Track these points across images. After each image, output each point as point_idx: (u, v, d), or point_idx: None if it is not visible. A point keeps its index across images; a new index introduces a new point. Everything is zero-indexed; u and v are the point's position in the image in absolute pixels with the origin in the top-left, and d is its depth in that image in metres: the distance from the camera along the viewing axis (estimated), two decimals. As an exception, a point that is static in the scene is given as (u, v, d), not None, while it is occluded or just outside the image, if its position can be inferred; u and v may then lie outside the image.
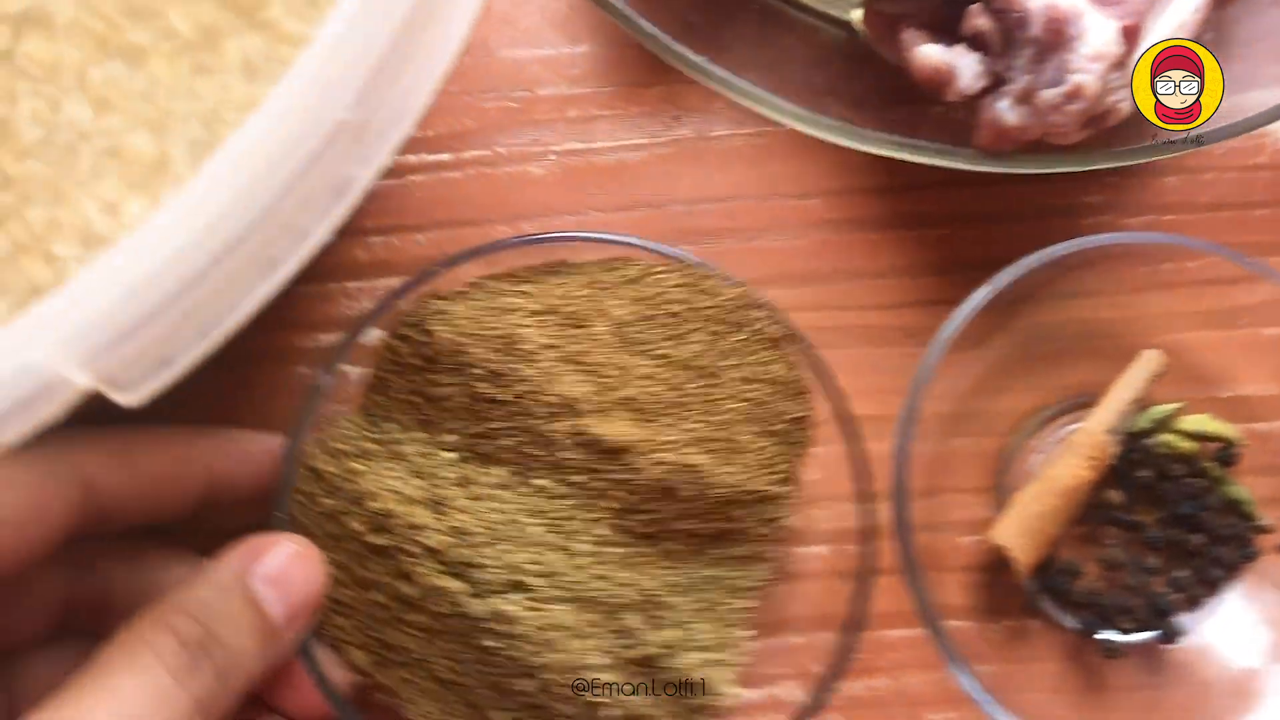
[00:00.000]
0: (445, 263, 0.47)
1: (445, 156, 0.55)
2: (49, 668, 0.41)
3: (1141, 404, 0.50)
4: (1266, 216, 0.55)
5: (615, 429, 0.44)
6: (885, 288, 0.54)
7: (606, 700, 0.43)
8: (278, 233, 0.32)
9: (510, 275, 0.48)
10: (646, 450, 0.44)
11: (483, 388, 0.45)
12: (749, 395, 0.46)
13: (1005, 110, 0.46)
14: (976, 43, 0.48)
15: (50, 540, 0.38)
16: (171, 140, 0.38)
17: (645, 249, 0.48)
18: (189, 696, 0.33)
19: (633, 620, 0.43)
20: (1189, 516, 0.49)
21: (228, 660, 0.36)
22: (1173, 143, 0.48)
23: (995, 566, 0.50)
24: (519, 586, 0.42)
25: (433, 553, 0.43)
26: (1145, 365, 0.50)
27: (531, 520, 0.44)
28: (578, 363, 0.45)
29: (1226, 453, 0.50)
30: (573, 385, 0.44)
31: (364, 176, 0.33)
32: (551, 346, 0.45)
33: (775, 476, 0.46)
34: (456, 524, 0.43)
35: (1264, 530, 0.49)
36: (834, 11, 0.54)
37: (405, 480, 0.44)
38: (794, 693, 0.45)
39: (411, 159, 0.54)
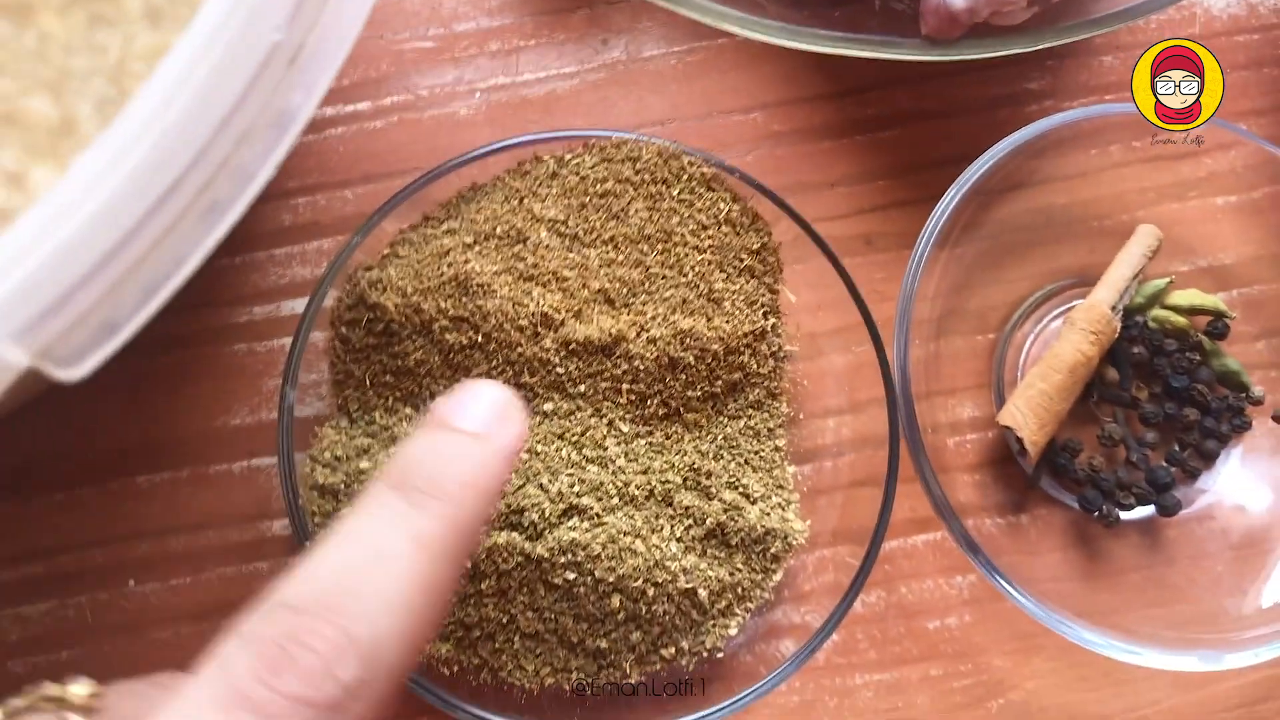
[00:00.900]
0: (369, 220, 0.44)
1: (364, 105, 0.51)
2: None
3: (1140, 278, 0.49)
4: (1206, 86, 0.54)
5: (598, 325, 0.43)
6: (840, 197, 0.52)
7: (697, 583, 0.42)
8: (218, 173, 0.28)
9: (427, 220, 0.46)
10: (635, 334, 0.43)
11: (452, 338, 0.42)
12: (708, 242, 0.45)
13: (952, -8, 0.45)
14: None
15: None
16: (74, 100, 0.34)
17: (547, 139, 0.46)
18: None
19: (687, 498, 0.43)
20: (1183, 391, 0.49)
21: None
22: (1112, 15, 0.47)
23: (996, 462, 0.49)
24: (571, 511, 0.41)
25: None
26: (1142, 240, 0.49)
27: (554, 445, 0.42)
28: (534, 277, 0.43)
29: (1217, 325, 0.50)
30: (540, 300, 0.42)
31: (307, 106, 0.30)
32: (502, 271, 0.43)
33: (761, 309, 0.46)
34: None
35: (1257, 401, 0.49)
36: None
37: None
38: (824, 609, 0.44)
39: (329, 111, 0.51)
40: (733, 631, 0.44)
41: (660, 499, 0.43)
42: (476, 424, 0.31)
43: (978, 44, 0.47)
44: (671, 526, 0.42)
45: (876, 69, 0.52)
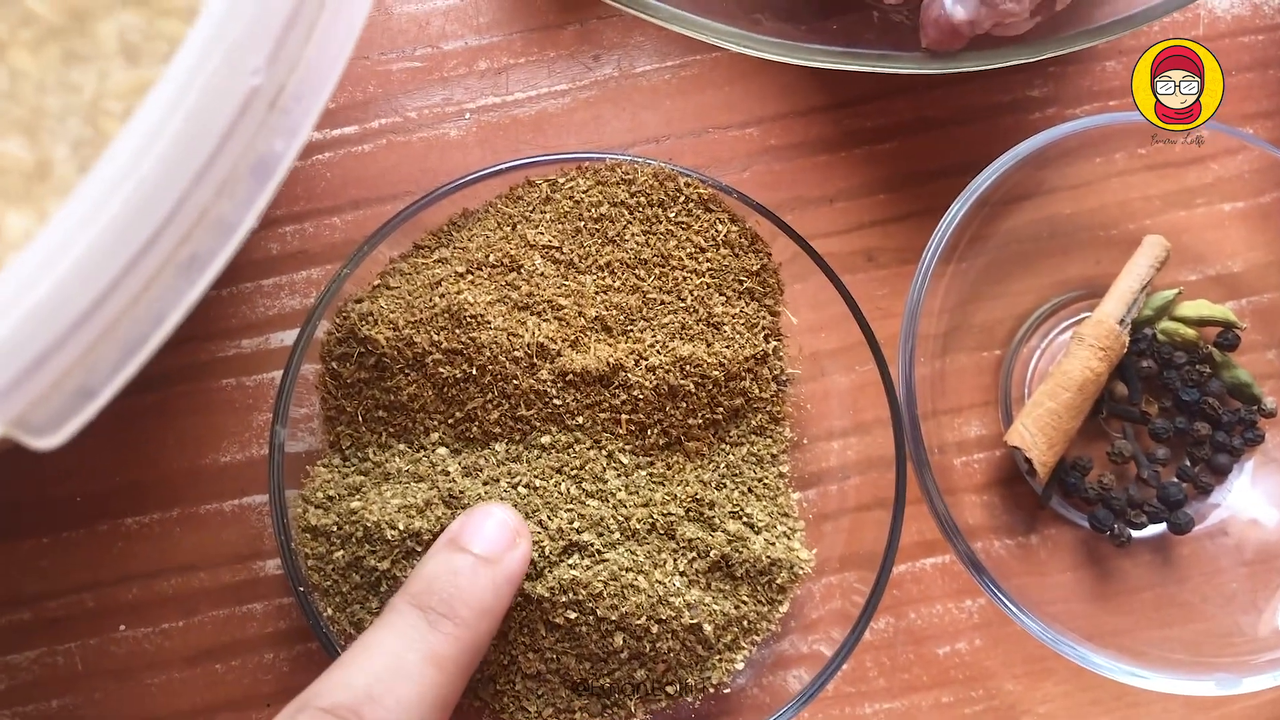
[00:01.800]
0: (358, 250, 0.43)
1: (351, 129, 0.50)
2: None
3: (1148, 291, 0.48)
4: (1210, 90, 0.53)
5: (595, 354, 0.42)
6: (839, 212, 0.51)
7: (702, 618, 0.41)
8: (197, 225, 0.27)
9: (418, 248, 0.45)
10: (633, 362, 0.42)
11: (446, 371, 0.41)
12: (707, 265, 0.44)
13: (952, 5, 0.43)
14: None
15: None
16: (49, 142, 0.33)
17: (540, 163, 0.44)
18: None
19: (690, 530, 0.42)
20: (1194, 404, 0.48)
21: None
22: (1115, 23, 0.46)
23: (1005, 481, 0.48)
24: (571, 549, 0.40)
25: None
26: (1149, 251, 0.48)
27: (553, 480, 0.41)
28: (529, 306, 0.42)
29: (1227, 336, 0.49)
30: (535, 330, 0.41)
31: (289, 152, 0.29)
32: (496, 301, 0.42)
33: (762, 332, 0.45)
34: None
35: (1269, 413, 0.48)
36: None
37: (410, 491, 0.40)
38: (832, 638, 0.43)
39: (316, 136, 0.49)
40: (739, 666, 0.43)
41: (662, 532, 0.41)
42: (487, 547, 0.37)
43: (979, 56, 0.45)
44: (674, 560, 0.41)
45: (875, 79, 0.50)
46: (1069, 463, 0.48)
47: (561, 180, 0.45)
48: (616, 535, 0.41)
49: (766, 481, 0.45)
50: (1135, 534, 0.48)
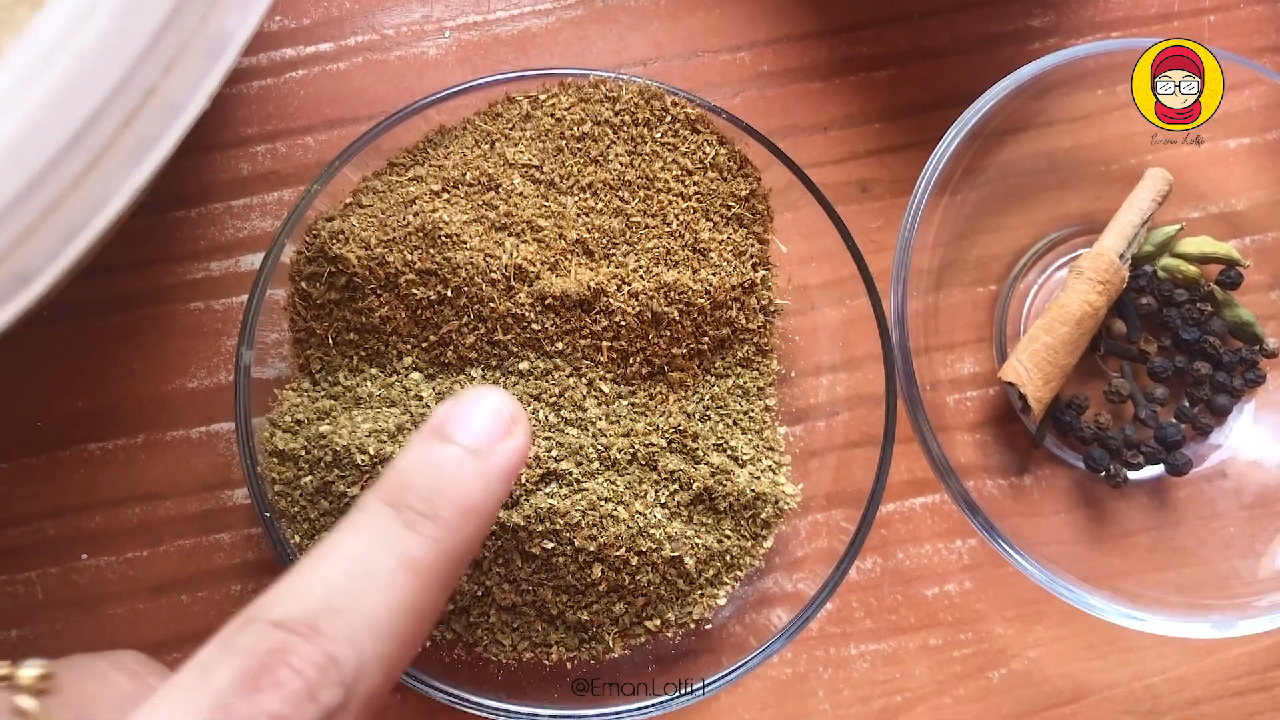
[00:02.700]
0: (330, 166, 0.41)
1: (326, 46, 0.48)
2: None
3: (1149, 226, 0.46)
4: (1218, 23, 0.52)
5: (575, 278, 0.40)
6: (832, 141, 0.49)
7: (683, 551, 0.39)
8: (144, 104, 0.25)
9: (392, 166, 0.43)
10: (615, 287, 0.40)
11: (420, 293, 0.39)
12: (694, 188, 0.42)
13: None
14: None
15: None
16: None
17: (520, 78, 0.42)
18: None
19: (672, 462, 0.40)
20: (1194, 343, 0.46)
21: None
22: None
23: (998, 420, 0.47)
24: (549, 477, 0.39)
25: None
26: (1151, 185, 0.46)
27: (531, 407, 0.40)
28: (506, 227, 0.40)
29: (1229, 274, 0.47)
30: (513, 251, 0.40)
31: (243, 29, 0.27)
32: (473, 221, 0.40)
33: (750, 260, 0.43)
34: None
35: (1271, 354, 0.47)
36: None
37: (381, 416, 0.39)
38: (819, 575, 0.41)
39: (289, 52, 0.48)
40: (721, 601, 0.42)
41: (644, 463, 0.40)
42: (477, 438, 0.30)
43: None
44: (656, 492, 0.40)
45: (870, 5, 0.49)
46: (1064, 401, 0.46)
47: (543, 97, 0.43)
48: (596, 465, 0.39)
49: (752, 415, 0.43)
50: (1131, 475, 0.46)
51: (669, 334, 0.41)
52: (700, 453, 0.41)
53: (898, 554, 0.47)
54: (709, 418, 0.42)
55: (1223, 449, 0.47)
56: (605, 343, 0.40)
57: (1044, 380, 0.44)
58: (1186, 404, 0.47)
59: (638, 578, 0.39)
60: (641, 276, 0.40)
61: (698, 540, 0.40)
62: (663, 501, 0.40)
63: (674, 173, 0.42)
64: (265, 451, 0.40)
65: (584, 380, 0.40)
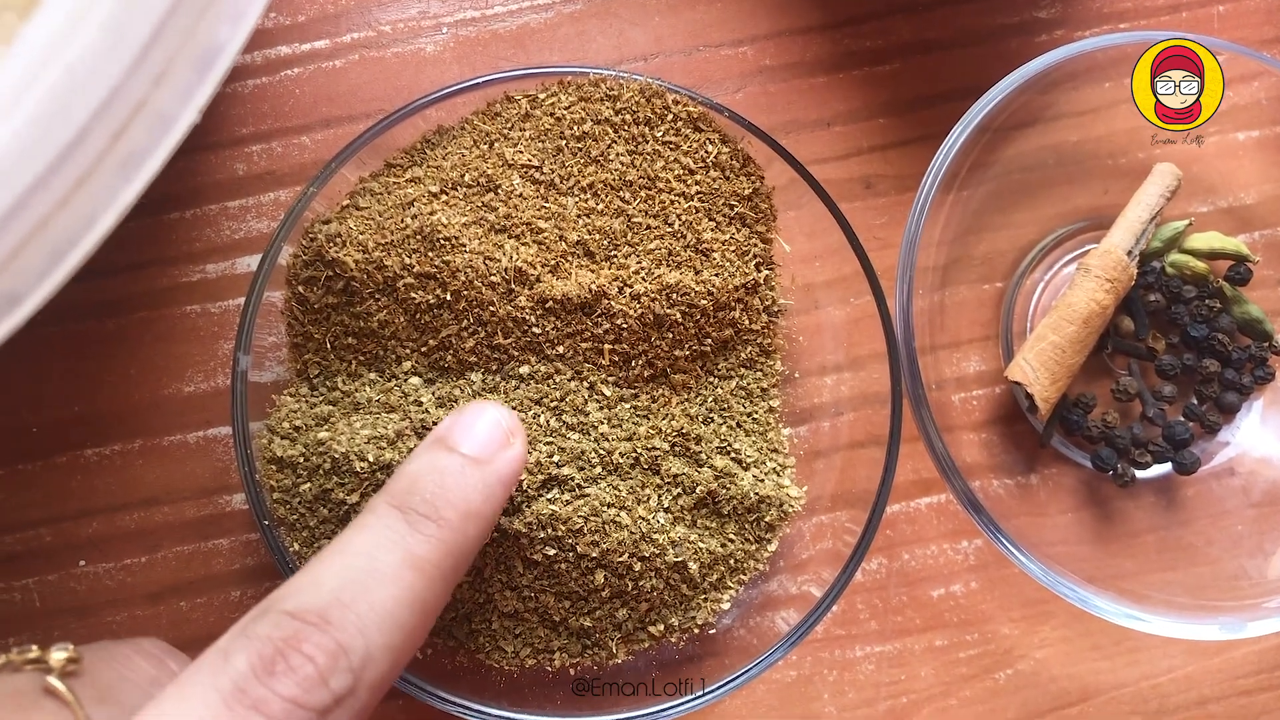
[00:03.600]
0: (326, 167, 0.40)
1: (322, 43, 0.47)
2: None
3: (1158, 221, 0.46)
4: (1227, 14, 0.51)
5: (576, 280, 0.39)
6: (836, 137, 0.48)
7: (687, 556, 0.39)
8: (133, 118, 0.25)
9: (389, 167, 0.42)
10: (617, 289, 0.40)
11: (419, 297, 0.39)
12: (696, 188, 0.42)
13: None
14: None
15: None
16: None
17: (519, 76, 0.42)
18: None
19: (675, 465, 0.40)
20: (1203, 340, 0.46)
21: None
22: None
23: (1004, 419, 0.46)
24: (550, 483, 0.38)
25: None
26: (1159, 180, 0.46)
27: (532, 412, 0.39)
28: (506, 229, 0.40)
29: (1238, 270, 0.46)
30: (513, 254, 0.39)
31: (234, 40, 0.26)
32: (472, 223, 0.39)
33: (753, 260, 0.42)
34: None
35: (1280, 351, 0.46)
36: None
37: (380, 422, 0.38)
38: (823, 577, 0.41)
39: (284, 50, 0.47)
40: (725, 606, 0.41)
41: (646, 467, 0.39)
42: (477, 447, 0.34)
43: (986, -33, 0.43)
44: (659, 496, 0.39)
45: (874, -4, 0.48)
46: (1071, 400, 0.46)
47: (542, 96, 0.42)
48: (598, 470, 0.39)
49: (756, 416, 0.43)
50: (1139, 474, 0.46)
51: (671, 336, 0.40)
52: (703, 456, 0.40)
53: (903, 555, 0.46)
54: (712, 420, 0.42)
55: (1231, 447, 0.46)
56: (607, 346, 0.40)
57: (1051, 380, 0.43)
58: (1195, 402, 0.46)
59: (641, 583, 0.39)
60: (643, 278, 0.40)
61: (701, 545, 0.40)
62: (666, 506, 0.39)
63: (675, 172, 0.41)
64: (263, 459, 0.39)
65: (585, 384, 0.40)
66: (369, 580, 0.30)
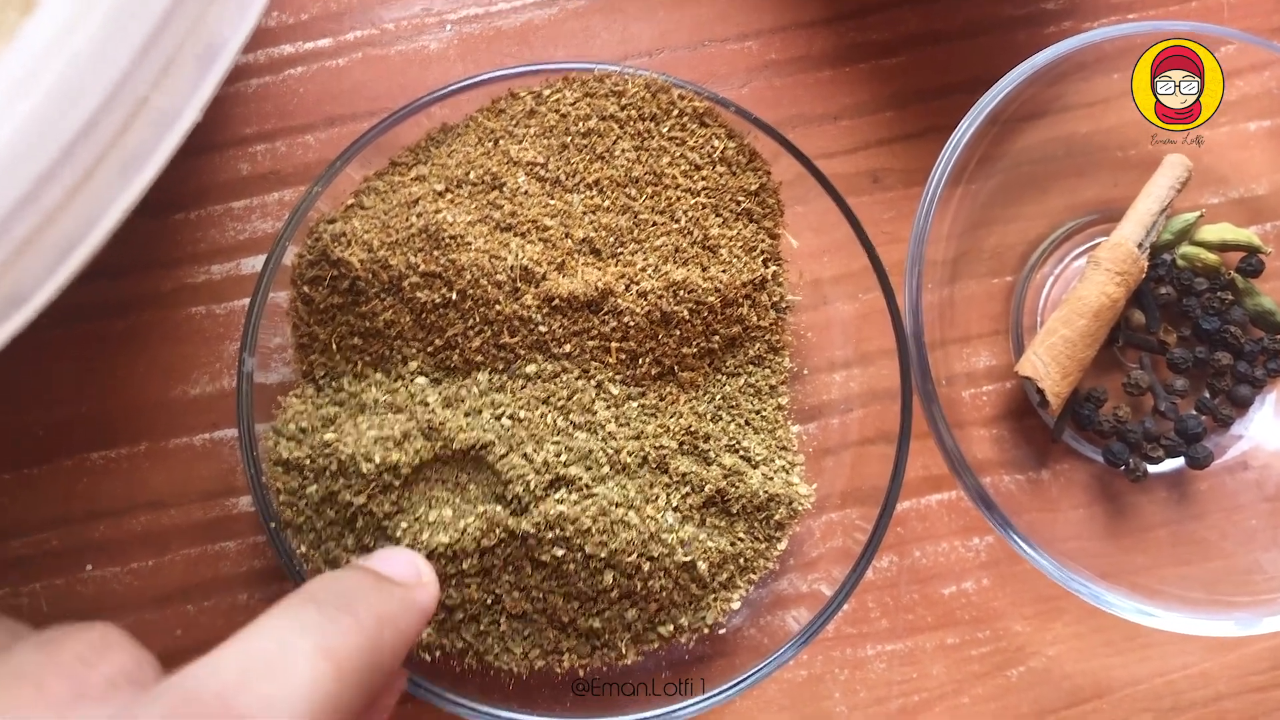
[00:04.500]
0: (330, 167, 0.40)
1: (325, 42, 0.47)
2: None
3: (1168, 213, 0.45)
4: (1237, 2, 0.50)
5: (583, 278, 0.39)
6: (843, 130, 0.48)
7: (696, 555, 0.39)
8: (135, 115, 0.24)
9: (394, 166, 0.42)
10: (624, 287, 0.39)
11: (424, 296, 0.39)
12: (702, 184, 0.41)
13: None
14: None
15: None
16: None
17: (524, 73, 0.41)
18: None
19: (684, 464, 0.40)
20: (1214, 333, 0.45)
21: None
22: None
23: (1015, 414, 0.46)
24: (559, 483, 0.38)
25: None
26: (1170, 171, 0.45)
27: (539, 411, 0.39)
28: (511, 227, 0.39)
29: (1250, 262, 0.46)
30: (519, 252, 0.39)
31: (236, 37, 0.26)
32: (477, 221, 0.39)
33: (761, 256, 0.42)
34: (462, 445, 0.37)
35: (1294, 343, 0.46)
36: None
37: (387, 422, 0.38)
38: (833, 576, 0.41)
39: (287, 49, 0.47)
40: (735, 605, 0.41)
41: (655, 466, 0.39)
42: (393, 571, 0.33)
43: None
44: (667, 495, 0.39)
45: (880, -10, 0.48)
46: (1083, 394, 0.46)
47: (547, 92, 0.42)
48: (606, 469, 0.39)
49: (764, 414, 0.42)
50: (1151, 469, 0.46)
51: (679, 333, 0.40)
52: (712, 454, 0.40)
53: (914, 552, 0.46)
54: (720, 418, 0.41)
55: (1244, 440, 0.46)
56: (614, 344, 0.40)
57: (1062, 374, 0.43)
58: (1207, 395, 0.46)
59: (650, 584, 0.38)
60: (650, 275, 0.40)
61: (710, 544, 0.39)
62: (675, 505, 0.39)
63: (682, 168, 0.41)
64: (269, 461, 0.39)
65: (593, 382, 0.40)
66: (281, 663, 0.27)
